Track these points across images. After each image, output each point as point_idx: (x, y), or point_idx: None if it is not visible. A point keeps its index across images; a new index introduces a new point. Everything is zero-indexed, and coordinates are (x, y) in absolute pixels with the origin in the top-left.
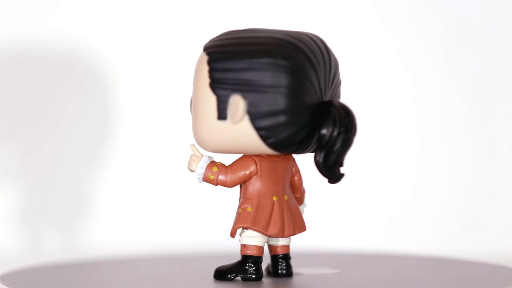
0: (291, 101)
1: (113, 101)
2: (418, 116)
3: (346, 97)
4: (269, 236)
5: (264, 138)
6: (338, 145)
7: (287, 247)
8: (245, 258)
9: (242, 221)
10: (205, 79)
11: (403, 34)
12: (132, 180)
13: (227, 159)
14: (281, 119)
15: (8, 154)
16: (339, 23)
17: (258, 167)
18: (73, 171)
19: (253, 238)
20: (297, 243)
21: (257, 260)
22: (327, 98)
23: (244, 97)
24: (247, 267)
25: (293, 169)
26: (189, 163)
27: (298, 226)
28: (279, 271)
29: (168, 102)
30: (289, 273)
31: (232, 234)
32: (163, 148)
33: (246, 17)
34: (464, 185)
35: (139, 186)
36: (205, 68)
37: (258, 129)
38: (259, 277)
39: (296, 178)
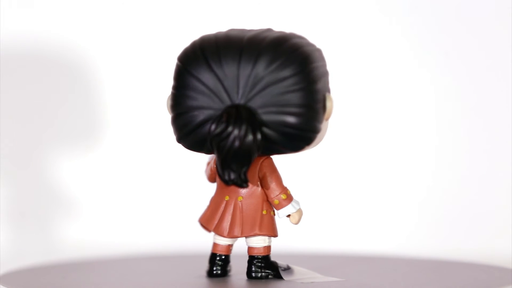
0: (179, 101)
1: (97, 99)
2: (417, 116)
3: (344, 96)
4: (215, 233)
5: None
6: (216, 148)
7: (255, 248)
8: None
9: (200, 217)
10: None
11: (402, 34)
12: (120, 179)
13: None
14: (173, 118)
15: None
16: (340, 23)
17: (212, 166)
18: (63, 170)
19: (215, 236)
20: (294, 245)
21: (214, 257)
22: (242, 101)
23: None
24: (209, 264)
25: (259, 172)
26: None
27: (249, 229)
28: (252, 274)
29: (155, 100)
30: (256, 276)
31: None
32: (149, 146)
33: (240, 17)
34: (463, 185)
35: (127, 184)
36: None
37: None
38: (210, 274)
39: (263, 182)
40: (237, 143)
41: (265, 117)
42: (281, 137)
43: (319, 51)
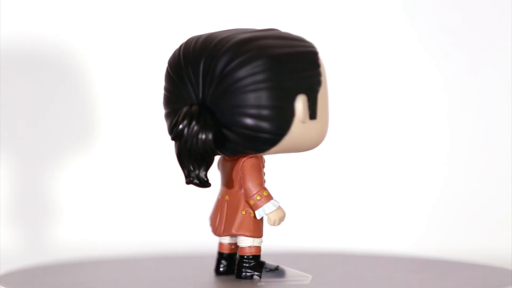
0: (165, 101)
1: (93, 99)
2: (416, 115)
3: (352, 95)
4: None
5: None
6: (175, 146)
7: (240, 248)
8: None
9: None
10: None
11: (402, 34)
12: (120, 178)
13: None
14: (164, 117)
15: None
16: (339, 24)
17: (218, 164)
18: (63, 170)
19: None
20: (294, 245)
21: (219, 255)
22: (206, 102)
23: None
24: (216, 262)
25: (240, 172)
26: None
27: (227, 228)
28: (239, 273)
29: (152, 99)
30: (239, 275)
31: None
32: (148, 145)
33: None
34: (463, 185)
35: (127, 184)
36: None
37: None
38: (216, 272)
39: (241, 183)
40: (187, 142)
41: (223, 118)
42: (240, 138)
43: (304, 53)
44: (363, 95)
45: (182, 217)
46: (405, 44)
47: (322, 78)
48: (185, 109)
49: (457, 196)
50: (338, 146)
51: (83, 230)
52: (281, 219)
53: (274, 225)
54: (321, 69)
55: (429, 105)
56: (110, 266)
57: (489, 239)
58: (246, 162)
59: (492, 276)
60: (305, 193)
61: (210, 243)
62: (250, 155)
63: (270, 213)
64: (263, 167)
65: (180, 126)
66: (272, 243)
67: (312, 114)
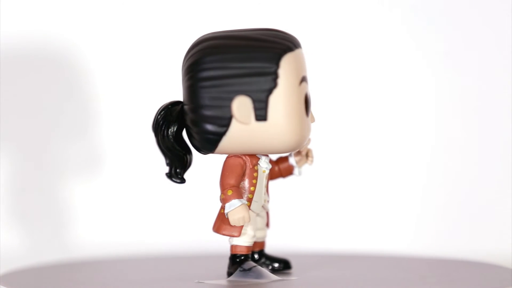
0: None
1: (91, 99)
2: (415, 114)
3: (345, 95)
4: None
5: None
6: None
7: (230, 247)
8: None
9: None
10: None
11: (402, 33)
12: (120, 178)
13: None
14: None
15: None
16: (339, 23)
17: None
18: (63, 171)
19: None
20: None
21: None
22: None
23: None
24: None
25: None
26: None
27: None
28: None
29: (150, 100)
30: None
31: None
32: (141, 145)
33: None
34: (463, 185)
35: (128, 184)
36: None
37: None
38: None
39: None
40: (157, 137)
41: (185, 116)
42: (191, 136)
43: (261, 54)
44: (362, 96)
45: (183, 218)
46: (405, 43)
47: (280, 80)
48: (162, 107)
49: (457, 196)
50: (338, 145)
51: (83, 230)
52: (241, 219)
53: (233, 224)
54: (281, 70)
55: (432, 104)
56: (110, 266)
57: (489, 239)
58: (225, 160)
59: (492, 276)
60: (304, 193)
61: (210, 243)
62: (234, 154)
63: (228, 212)
64: (252, 167)
65: (153, 121)
66: (271, 243)
67: (260, 116)
